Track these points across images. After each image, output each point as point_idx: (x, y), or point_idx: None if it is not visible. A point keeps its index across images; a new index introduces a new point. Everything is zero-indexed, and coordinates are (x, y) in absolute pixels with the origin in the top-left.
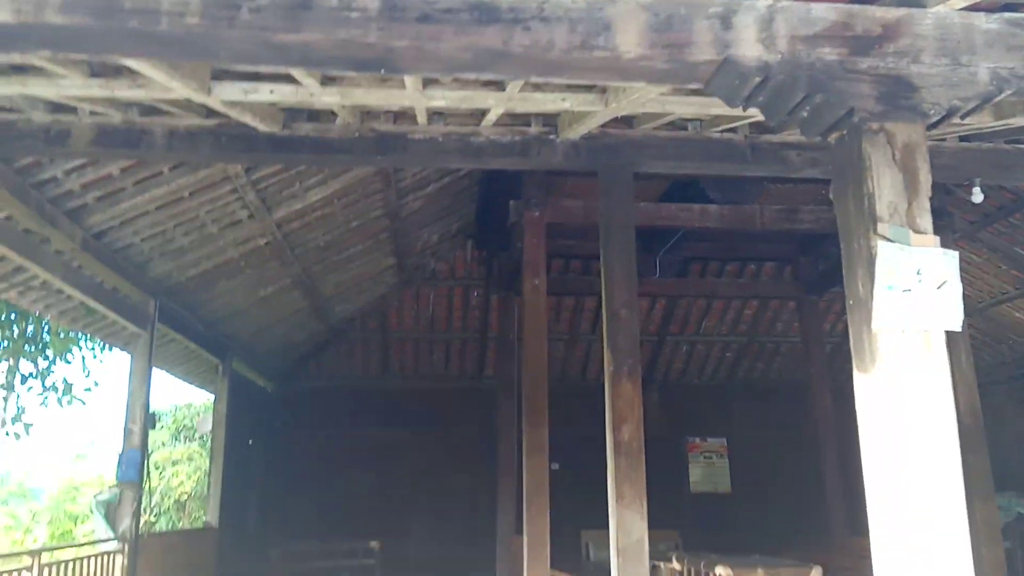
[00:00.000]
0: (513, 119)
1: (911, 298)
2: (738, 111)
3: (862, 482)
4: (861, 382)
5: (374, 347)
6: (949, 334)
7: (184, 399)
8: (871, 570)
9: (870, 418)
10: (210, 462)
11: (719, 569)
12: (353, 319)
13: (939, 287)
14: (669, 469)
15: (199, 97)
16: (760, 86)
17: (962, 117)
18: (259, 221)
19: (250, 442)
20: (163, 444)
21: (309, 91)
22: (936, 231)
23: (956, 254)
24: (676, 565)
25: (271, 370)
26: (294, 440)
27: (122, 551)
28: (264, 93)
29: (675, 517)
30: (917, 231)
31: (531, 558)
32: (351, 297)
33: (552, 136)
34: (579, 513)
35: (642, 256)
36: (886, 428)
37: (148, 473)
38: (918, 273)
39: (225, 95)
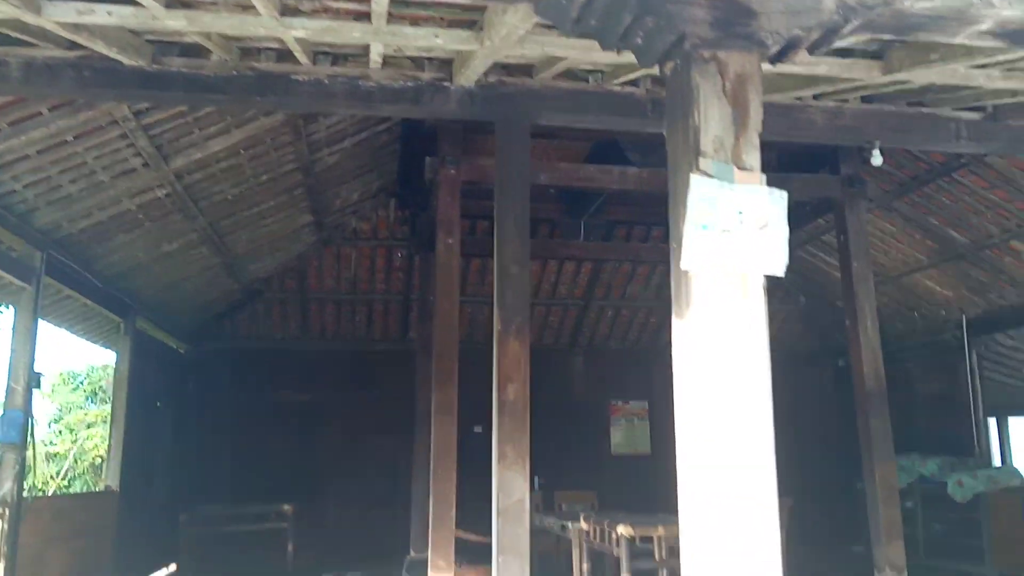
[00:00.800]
0: (404, 64)
1: (729, 239)
2: (634, 62)
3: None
4: (677, 327)
5: (292, 308)
6: (858, 303)
7: (101, 360)
8: None
9: (682, 364)
10: (111, 424)
11: (620, 528)
12: (270, 278)
13: (762, 228)
14: (592, 432)
15: (27, 16)
16: (588, 5)
17: (810, 52)
18: (155, 170)
19: (158, 404)
20: (79, 406)
21: (152, 14)
22: (849, 199)
23: (784, 194)
24: (584, 525)
25: (182, 330)
26: (208, 403)
27: (2, 516)
28: (102, 15)
29: (597, 479)
30: (742, 168)
31: (436, 520)
32: (266, 255)
33: (446, 83)
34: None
35: (567, 220)
36: (696, 374)
37: (33, 435)
38: (740, 213)
39: (58, 15)
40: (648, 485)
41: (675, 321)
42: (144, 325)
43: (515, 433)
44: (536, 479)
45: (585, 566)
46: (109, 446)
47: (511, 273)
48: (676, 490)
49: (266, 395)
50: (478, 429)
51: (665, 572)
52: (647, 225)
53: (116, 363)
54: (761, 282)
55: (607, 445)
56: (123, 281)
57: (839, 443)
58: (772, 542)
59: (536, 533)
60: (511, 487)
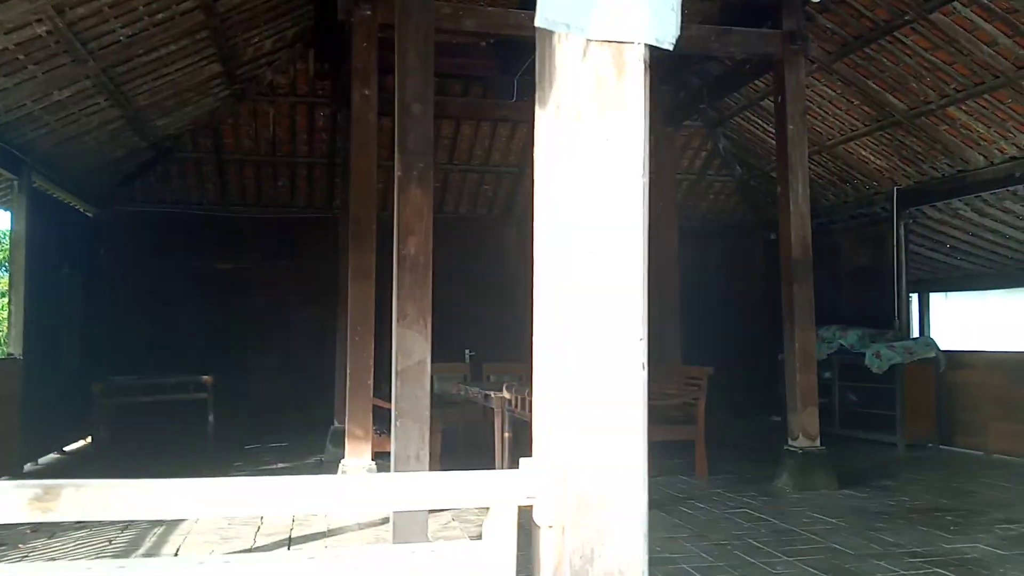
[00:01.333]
0: None
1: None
2: None
3: (702, 317)
4: (538, 122)
5: (209, 170)
6: (791, 168)
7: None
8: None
9: (542, 167)
10: (10, 288)
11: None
12: (181, 136)
13: None
14: (526, 304)
15: None
16: None
17: None
18: (29, 1)
19: (64, 269)
20: None
21: None
22: (790, 57)
23: None
24: (505, 394)
25: (88, 191)
26: (121, 270)
27: None
28: None
29: (528, 351)
30: None
31: (354, 388)
32: (174, 110)
33: None
34: (435, 346)
35: (501, 77)
36: (556, 178)
37: None
38: None
39: None
40: None
41: (537, 114)
42: (43, 184)
43: (416, 290)
44: (467, 351)
45: (507, 434)
46: (9, 312)
47: (412, 112)
48: None
49: (184, 263)
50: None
51: None
52: None
53: (12, 224)
54: (642, 55)
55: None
56: (11, 133)
57: (768, 316)
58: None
59: (463, 404)
60: (411, 347)
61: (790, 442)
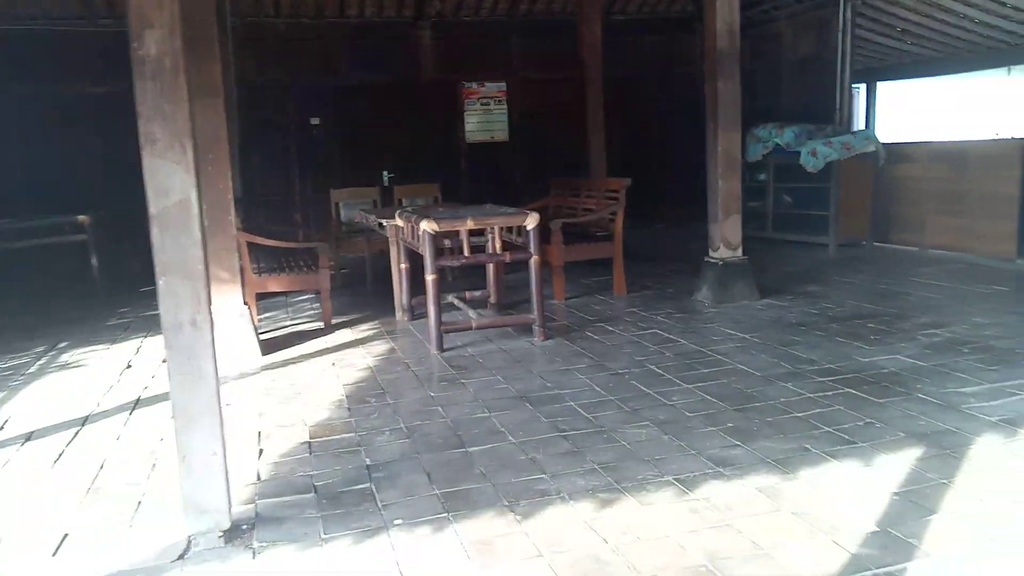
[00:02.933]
0: None
1: None
2: None
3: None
4: None
5: None
6: None
7: None
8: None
9: None
10: None
11: (424, 224)
12: None
13: None
14: (443, 118)
15: None
16: None
17: None
18: None
19: None
20: None
21: None
22: None
23: None
24: (398, 221)
25: None
26: None
27: None
28: None
29: (450, 171)
30: None
31: (212, 223)
32: None
33: None
34: (350, 170)
35: None
36: None
37: None
38: None
39: None
40: (505, 175)
41: None
42: None
43: (165, 105)
44: (385, 173)
45: (403, 266)
46: None
47: None
48: (534, 180)
49: (53, 89)
50: (315, 120)
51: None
52: None
53: None
54: None
55: (461, 132)
56: None
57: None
58: None
59: (370, 232)
60: (165, 183)
61: (711, 253)
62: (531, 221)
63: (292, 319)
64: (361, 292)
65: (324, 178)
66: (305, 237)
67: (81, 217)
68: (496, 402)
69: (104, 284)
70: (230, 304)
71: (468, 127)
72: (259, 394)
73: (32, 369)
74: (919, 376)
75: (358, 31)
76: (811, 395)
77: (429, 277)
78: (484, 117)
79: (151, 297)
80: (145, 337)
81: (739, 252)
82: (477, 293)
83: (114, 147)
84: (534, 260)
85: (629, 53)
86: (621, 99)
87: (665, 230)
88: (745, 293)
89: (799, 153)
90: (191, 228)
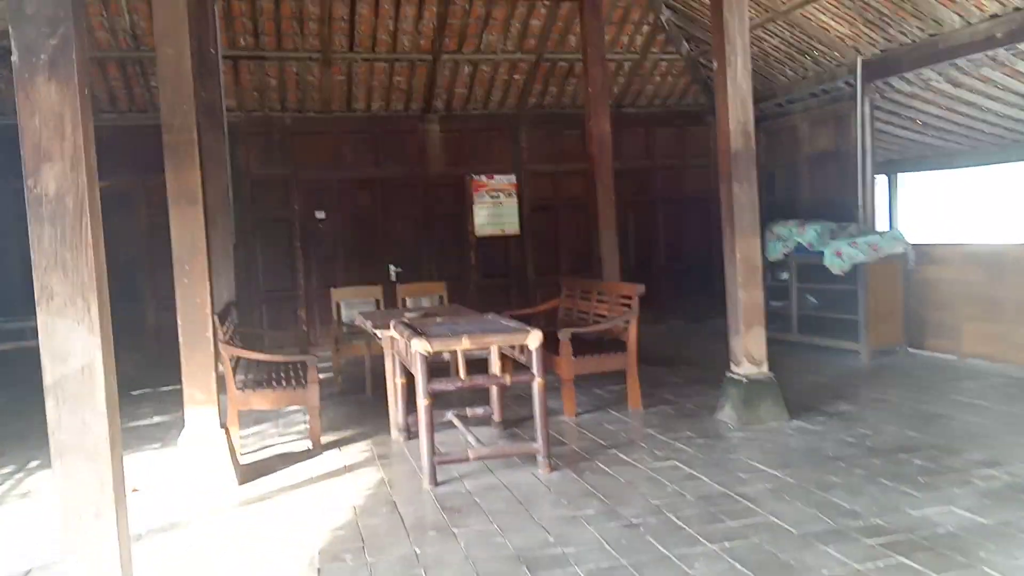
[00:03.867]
0: None
1: None
2: None
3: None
4: None
5: None
6: (727, 36)
7: None
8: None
9: None
10: None
11: (416, 344)
12: None
13: None
14: (452, 211)
15: None
16: None
17: None
18: None
19: None
20: None
21: None
22: None
23: None
24: (393, 333)
25: None
26: None
27: None
28: None
29: (459, 265)
30: None
31: (187, 339)
32: None
33: None
34: (356, 265)
35: None
36: None
37: None
38: None
39: None
40: (517, 269)
41: None
42: None
43: (66, 253)
44: (392, 267)
45: (400, 381)
46: None
47: None
48: (545, 273)
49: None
50: (321, 215)
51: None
52: None
53: None
54: None
55: (470, 226)
56: None
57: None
58: None
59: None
60: (64, 346)
61: (733, 368)
62: (533, 340)
63: (281, 434)
64: (359, 400)
65: (329, 273)
66: (307, 337)
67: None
68: (490, 565)
69: None
70: (206, 428)
71: (477, 220)
72: (221, 542)
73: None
74: (981, 539)
75: (365, 124)
76: (858, 566)
77: (421, 403)
78: (494, 210)
79: (139, 402)
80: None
81: (764, 368)
82: (479, 410)
83: (111, 244)
84: (537, 383)
85: (640, 146)
86: (633, 192)
87: (681, 326)
88: (773, 413)
89: (822, 253)
90: (95, 400)
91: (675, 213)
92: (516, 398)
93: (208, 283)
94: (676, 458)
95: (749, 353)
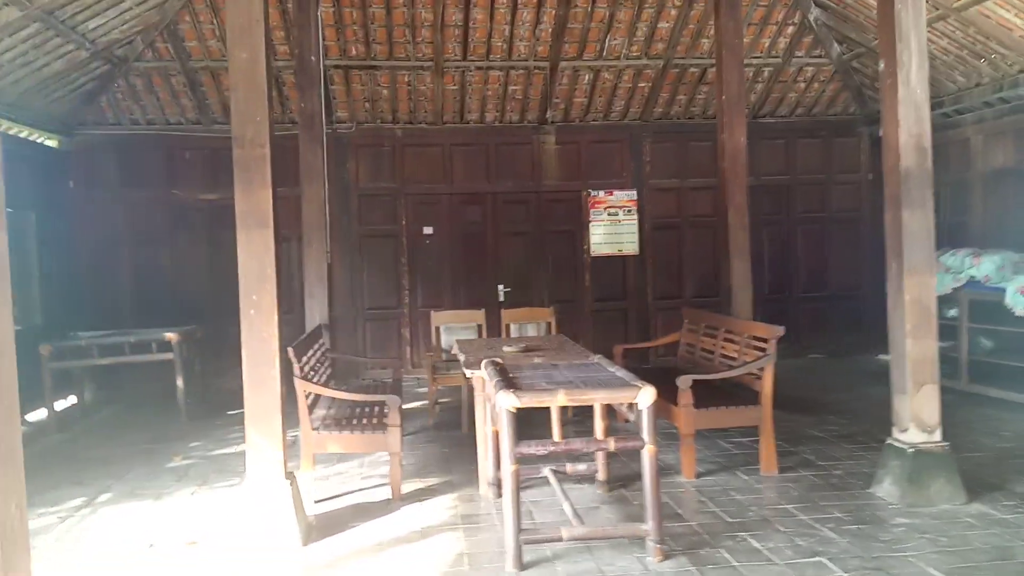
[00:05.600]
0: None
1: None
2: None
3: (785, 240)
4: None
5: (178, 82)
6: (899, 34)
7: None
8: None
9: None
10: None
11: (502, 397)
12: (130, 43)
13: None
14: (566, 230)
15: None
16: None
17: None
18: None
19: (7, 210)
20: None
21: None
22: None
23: None
24: (483, 373)
25: (43, 118)
26: (92, 206)
27: None
28: None
29: (571, 287)
30: None
31: (252, 379)
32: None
33: None
34: (463, 284)
35: None
36: None
37: None
38: None
39: None
40: (633, 294)
41: None
42: None
43: None
44: (500, 287)
45: (493, 429)
46: None
47: None
48: (666, 298)
49: (164, 196)
50: (429, 230)
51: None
52: None
53: None
54: None
55: (586, 245)
56: None
57: (877, 234)
58: None
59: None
60: None
61: (896, 435)
62: (645, 398)
63: (364, 476)
64: (452, 438)
65: (435, 291)
66: (399, 364)
67: (169, 334)
68: None
69: (189, 407)
70: (269, 478)
71: (593, 239)
72: None
73: (51, 534)
74: None
75: (477, 136)
76: None
77: (507, 467)
78: (611, 228)
79: (233, 425)
80: (194, 493)
81: (936, 436)
82: (580, 467)
83: (220, 257)
84: (648, 451)
85: (778, 159)
86: (768, 210)
87: (822, 363)
88: (946, 494)
89: (1003, 290)
90: None
91: (817, 234)
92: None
93: (276, 316)
94: (823, 551)
95: (918, 418)
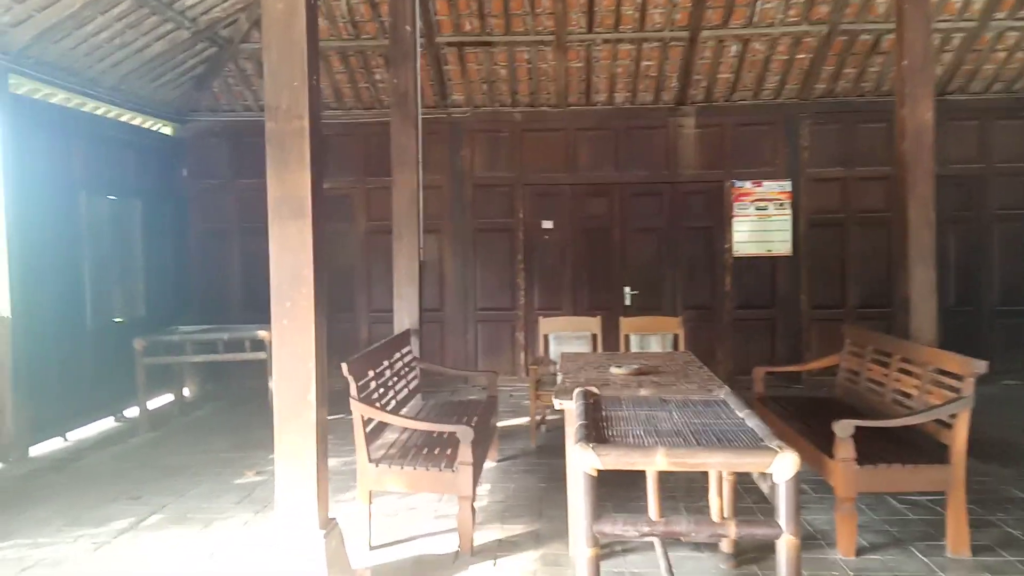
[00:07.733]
0: None
1: None
2: None
3: (969, 240)
4: None
5: None
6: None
7: None
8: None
9: None
10: None
11: (581, 455)
12: (234, 20)
13: None
14: (704, 226)
15: None
16: None
17: None
18: None
19: (110, 197)
20: None
21: None
22: None
23: None
24: (573, 404)
25: (152, 104)
26: (201, 195)
27: None
28: None
29: (708, 291)
30: None
31: (284, 403)
32: None
33: None
34: (585, 284)
35: None
36: None
37: None
38: None
39: None
40: (784, 303)
41: None
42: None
43: None
44: (627, 290)
45: (586, 473)
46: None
47: None
48: (824, 308)
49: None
50: (548, 224)
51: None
52: None
53: None
54: None
55: (727, 244)
56: None
57: None
58: None
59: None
60: None
61: None
62: (783, 467)
63: (438, 516)
64: (552, 469)
65: (553, 292)
66: (495, 378)
67: (262, 333)
68: None
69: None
70: (299, 528)
71: (737, 237)
72: None
73: (78, 564)
74: None
75: (605, 119)
76: None
77: (583, 551)
78: (759, 225)
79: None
80: (247, 523)
81: None
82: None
83: (333, 248)
84: (787, 543)
85: (969, 145)
86: (956, 205)
87: (1022, 391)
88: None
89: None
90: None
91: (1017, 235)
92: (760, 494)
93: (315, 327)
94: None
95: None
